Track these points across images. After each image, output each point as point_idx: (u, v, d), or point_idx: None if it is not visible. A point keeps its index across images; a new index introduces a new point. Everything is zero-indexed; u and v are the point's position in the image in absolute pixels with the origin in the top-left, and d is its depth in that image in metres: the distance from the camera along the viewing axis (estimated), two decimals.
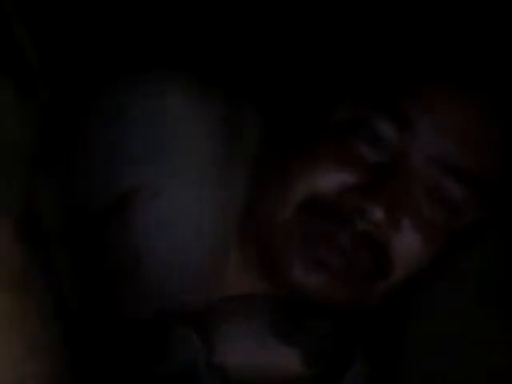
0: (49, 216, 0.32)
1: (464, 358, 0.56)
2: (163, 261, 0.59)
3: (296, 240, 0.58)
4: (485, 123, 0.58)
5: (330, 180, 0.57)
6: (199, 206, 0.60)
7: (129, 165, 0.59)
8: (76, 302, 0.49)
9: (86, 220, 0.58)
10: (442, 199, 0.57)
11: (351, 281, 0.58)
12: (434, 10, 0.60)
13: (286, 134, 0.63)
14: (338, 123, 0.59)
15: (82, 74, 0.62)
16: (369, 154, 0.57)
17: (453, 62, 0.58)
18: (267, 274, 0.60)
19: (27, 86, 0.28)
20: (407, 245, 0.57)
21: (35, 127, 0.29)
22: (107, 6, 0.66)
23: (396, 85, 0.58)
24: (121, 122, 0.59)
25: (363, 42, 0.62)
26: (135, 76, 0.61)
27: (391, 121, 0.57)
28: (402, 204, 0.56)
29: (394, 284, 0.58)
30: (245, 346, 0.57)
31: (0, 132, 0.28)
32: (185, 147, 0.60)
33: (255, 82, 0.67)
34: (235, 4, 0.70)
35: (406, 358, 0.58)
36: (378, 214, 0.56)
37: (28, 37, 0.28)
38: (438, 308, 0.59)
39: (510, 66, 0.59)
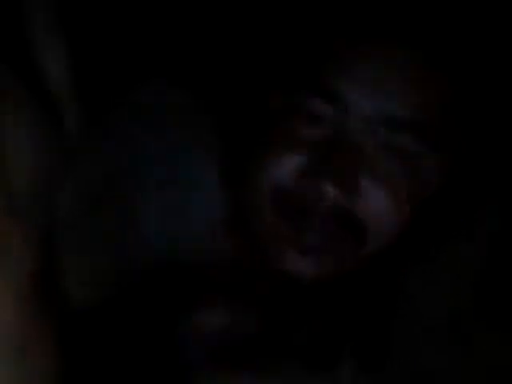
0: None
1: (452, 354, 0.58)
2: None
3: (278, 233, 0.60)
4: (406, 71, 0.58)
5: (284, 171, 0.59)
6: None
7: None
8: None
9: None
10: (391, 151, 0.58)
11: (336, 256, 0.60)
12: None
13: (235, 129, 0.65)
14: (275, 112, 0.61)
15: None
16: (312, 134, 0.59)
17: (369, 21, 0.59)
18: (260, 262, 0.62)
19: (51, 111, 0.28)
20: (373, 203, 0.58)
21: (56, 153, 0.28)
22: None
23: (318, 62, 0.59)
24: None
25: (278, 29, 0.63)
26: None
27: (322, 98, 0.58)
28: (354, 171, 0.58)
29: (377, 247, 0.60)
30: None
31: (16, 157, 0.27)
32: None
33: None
34: None
35: (395, 352, 0.60)
36: (334, 189, 0.57)
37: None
38: (427, 299, 0.60)
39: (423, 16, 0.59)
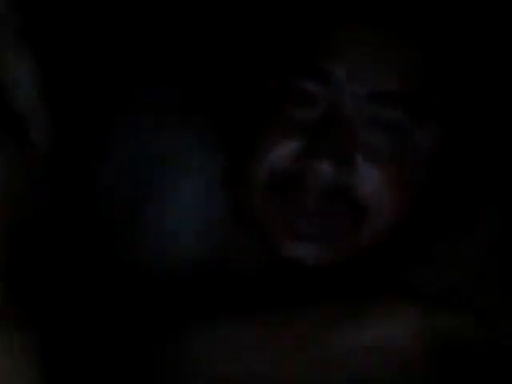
0: None
1: None
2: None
3: (275, 219, 0.60)
4: (390, 48, 0.60)
5: (279, 154, 0.60)
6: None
7: None
8: None
9: None
10: (382, 126, 0.59)
11: (336, 238, 0.60)
12: None
13: (232, 121, 0.66)
14: (269, 98, 0.62)
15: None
16: (304, 116, 0.60)
17: (354, 5, 0.61)
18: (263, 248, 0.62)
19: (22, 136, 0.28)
20: (369, 178, 0.59)
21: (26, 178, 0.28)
22: None
23: (307, 45, 0.61)
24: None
25: (269, 13, 0.64)
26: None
27: (312, 78, 0.60)
28: (348, 147, 0.59)
29: (377, 228, 0.60)
30: None
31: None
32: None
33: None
34: None
35: None
36: (330, 166, 0.58)
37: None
38: None
39: None
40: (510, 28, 0.63)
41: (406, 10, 0.60)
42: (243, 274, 0.64)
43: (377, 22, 0.60)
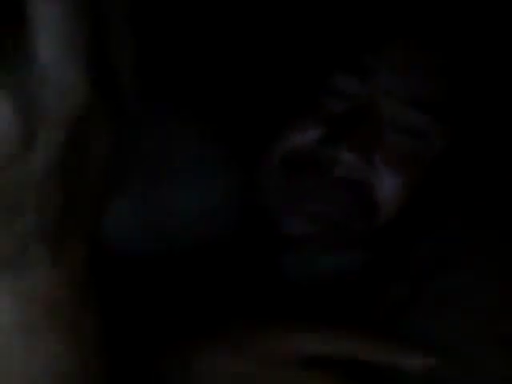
0: None
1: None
2: None
3: (286, 198, 0.62)
4: (425, 59, 0.63)
5: (305, 136, 0.62)
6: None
7: None
8: None
9: None
10: (408, 129, 0.62)
11: (344, 226, 0.62)
12: None
13: (262, 104, 0.67)
14: (308, 86, 0.64)
15: None
16: (339, 108, 0.62)
17: (396, 18, 0.64)
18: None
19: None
20: (385, 178, 0.61)
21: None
22: None
23: (348, 41, 0.63)
24: None
25: (327, 12, 0.67)
26: None
27: (349, 72, 0.62)
28: (372, 144, 0.61)
29: (387, 219, 0.62)
30: None
31: None
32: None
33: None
34: None
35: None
36: (350, 157, 0.60)
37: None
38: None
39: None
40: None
41: (442, 23, 0.63)
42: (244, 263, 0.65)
43: (418, 33, 0.63)
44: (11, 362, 0.31)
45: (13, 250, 0.29)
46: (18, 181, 0.27)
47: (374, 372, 0.55)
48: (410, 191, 0.62)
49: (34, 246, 0.29)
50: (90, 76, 0.27)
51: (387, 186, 0.61)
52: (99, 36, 0.28)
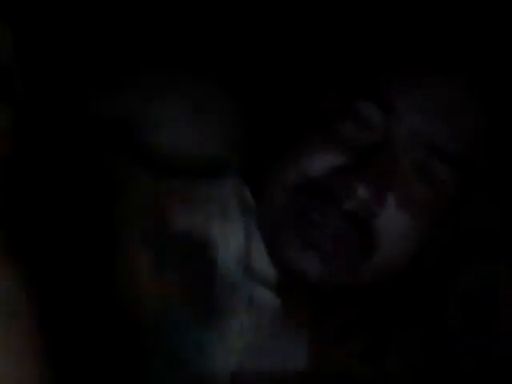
0: None
1: None
2: None
3: (291, 223, 0.60)
4: (467, 108, 0.60)
5: (318, 162, 0.59)
6: None
7: None
8: None
9: None
10: (427, 178, 0.59)
11: (341, 259, 0.59)
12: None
13: (274, 124, 0.66)
14: (326, 110, 0.61)
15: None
16: (356, 137, 0.59)
17: (433, 50, 0.61)
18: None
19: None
20: (392, 221, 0.58)
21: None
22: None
23: (380, 73, 0.61)
24: None
25: (349, 36, 0.65)
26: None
27: (377, 106, 0.59)
28: (387, 182, 0.58)
29: (387, 261, 0.60)
30: None
31: None
32: None
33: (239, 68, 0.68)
34: None
35: None
36: (363, 191, 0.57)
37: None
38: None
39: (490, 53, 0.62)
40: None
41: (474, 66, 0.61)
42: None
43: (451, 73, 0.60)
44: None
45: None
46: None
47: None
48: (419, 236, 0.60)
49: None
50: None
51: (391, 228, 0.58)
52: None
